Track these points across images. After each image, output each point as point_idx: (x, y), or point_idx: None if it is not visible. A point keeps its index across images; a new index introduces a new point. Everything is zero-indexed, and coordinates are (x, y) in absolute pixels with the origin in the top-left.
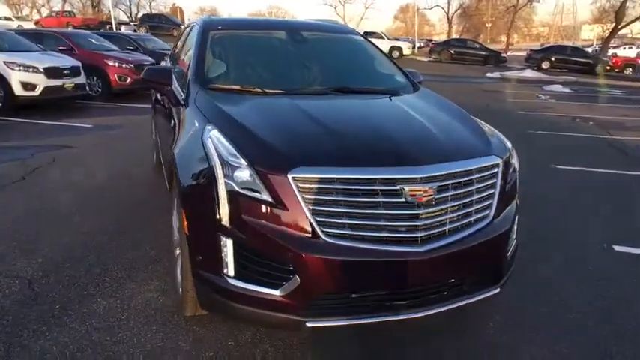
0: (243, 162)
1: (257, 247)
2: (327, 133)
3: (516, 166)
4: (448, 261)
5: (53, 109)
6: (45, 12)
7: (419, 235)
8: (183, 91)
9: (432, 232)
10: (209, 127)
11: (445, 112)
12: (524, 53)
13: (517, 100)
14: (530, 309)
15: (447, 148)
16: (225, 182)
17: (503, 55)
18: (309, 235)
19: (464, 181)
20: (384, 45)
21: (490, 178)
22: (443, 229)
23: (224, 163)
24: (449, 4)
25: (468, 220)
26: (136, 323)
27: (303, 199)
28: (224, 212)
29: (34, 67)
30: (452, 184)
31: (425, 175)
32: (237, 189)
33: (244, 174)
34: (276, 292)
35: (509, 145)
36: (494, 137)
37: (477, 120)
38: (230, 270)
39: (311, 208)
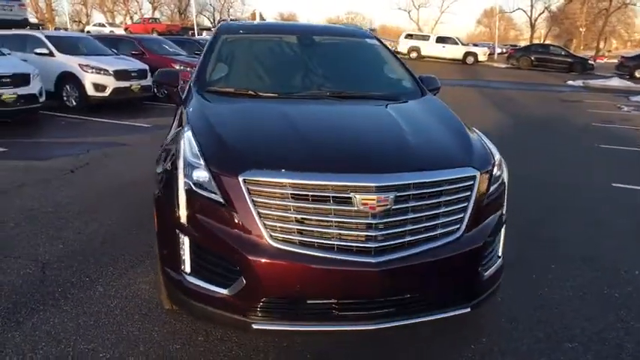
0: (201, 162)
1: (209, 247)
2: (294, 138)
3: (505, 178)
4: (407, 274)
5: (121, 109)
6: (137, 19)
7: (372, 245)
8: (185, 93)
9: (388, 243)
10: (186, 128)
11: (436, 121)
12: None
13: (595, 111)
14: (527, 333)
15: (417, 158)
16: (185, 181)
17: (590, 62)
18: (257, 239)
19: (429, 192)
20: (458, 51)
21: (463, 191)
22: (402, 240)
23: (186, 163)
24: (532, 7)
25: (433, 233)
26: (121, 312)
27: (253, 202)
28: (182, 210)
29: (105, 70)
30: (413, 194)
31: (380, 184)
32: (195, 188)
33: (202, 174)
34: (225, 292)
35: (497, 157)
36: (479, 148)
37: (468, 130)
38: (187, 267)
39: (260, 211)
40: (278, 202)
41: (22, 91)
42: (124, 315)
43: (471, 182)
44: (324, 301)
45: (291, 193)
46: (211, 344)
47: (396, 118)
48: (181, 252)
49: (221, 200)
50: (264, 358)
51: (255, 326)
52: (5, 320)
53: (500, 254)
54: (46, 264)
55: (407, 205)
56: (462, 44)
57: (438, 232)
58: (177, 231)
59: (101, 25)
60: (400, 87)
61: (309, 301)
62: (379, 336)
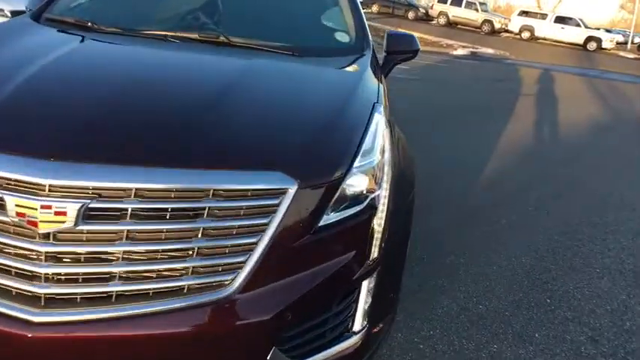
0: None
1: None
2: (17, 94)
3: (382, 202)
4: (108, 351)
5: None
6: None
7: (40, 290)
8: None
9: (77, 290)
10: None
11: (307, 94)
12: None
13: None
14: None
15: (184, 147)
16: None
17: None
18: None
19: (175, 208)
20: (579, 34)
21: (253, 214)
22: (106, 289)
23: None
24: None
25: (176, 283)
26: None
27: None
28: None
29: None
30: (135, 209)
31: (57, 182)
32: None
33: None
34: None
35: (361, 162)
36: (335, 143)
37: (357, 114)
38: None
39: None
40: None
41: None
42: None
43: (274, 200)
44: None
45: None
46: None
47: (239, 82)
48: None
49: None
50: None
51: None
52: None
53: (359, 327)
54: None
55: (118, 226)
56: (586, 27)
57: (187, 282)
58: None
59: None
60: (326, 40)
61: None
62: None
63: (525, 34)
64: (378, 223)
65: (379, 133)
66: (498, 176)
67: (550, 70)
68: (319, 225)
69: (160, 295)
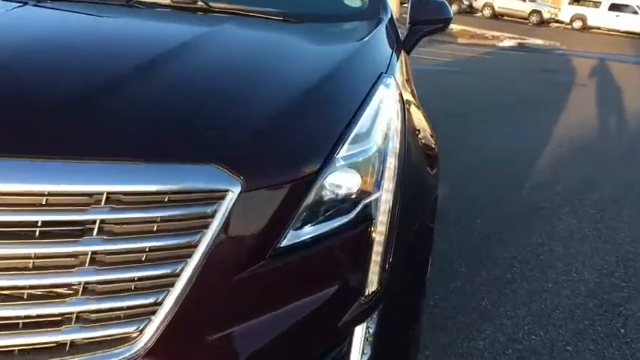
0: None
1: None
2: None
3: (382, 209)
4: None
5: None
6: None
7: None
8: None
9: None
10: None
11: (286, 64)
12: None
13: None
14: None
15: (63, 130)
16: None
17: None
18: None
19: (42, 221)
20: (637, 21)
21: (176, 232)
22: None
23: None
24: None
25: (50, 337)
26: None
27: None
28: None
29: None
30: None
31: None
32: None
33: None
34: None
35: (360, 150)
36: (319, 134)
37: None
38: None
39: None
40: None
41: None
42: None
43: (206, 208)
44: None
45: None
46: None
47: (184, 51)
48: None
49: None
50: None
51: None
52: None
53: None
54: None
55: None
56: None
57: (69, 336)
58: None
59: None
60: (332, 4)
61: None
62: None
63: (577, 24)
64: (378, 240)
65: (383, 112)
66: (551, 175)
67: (605, 60)
68: (280, 246)
69: (28, 354)
